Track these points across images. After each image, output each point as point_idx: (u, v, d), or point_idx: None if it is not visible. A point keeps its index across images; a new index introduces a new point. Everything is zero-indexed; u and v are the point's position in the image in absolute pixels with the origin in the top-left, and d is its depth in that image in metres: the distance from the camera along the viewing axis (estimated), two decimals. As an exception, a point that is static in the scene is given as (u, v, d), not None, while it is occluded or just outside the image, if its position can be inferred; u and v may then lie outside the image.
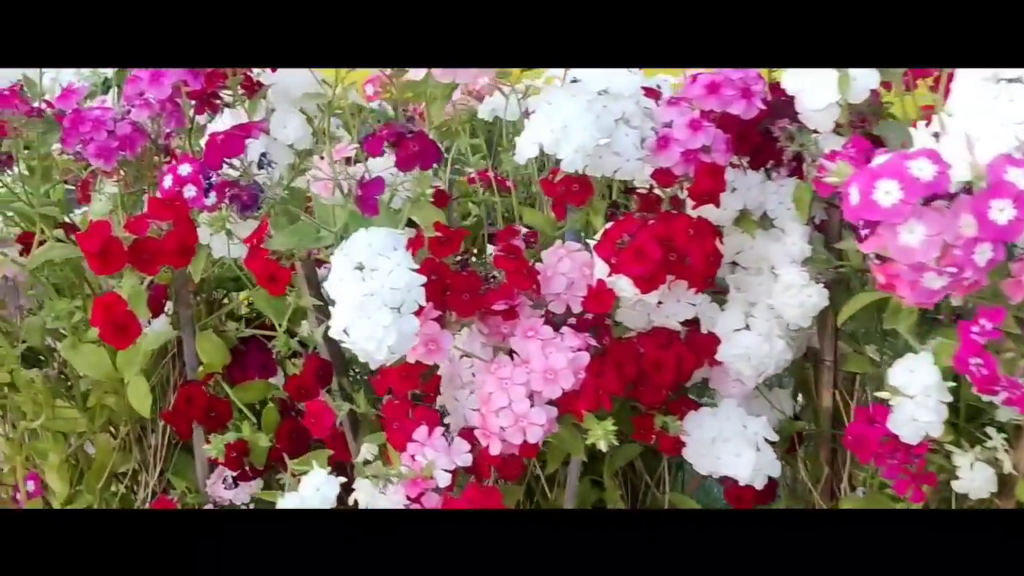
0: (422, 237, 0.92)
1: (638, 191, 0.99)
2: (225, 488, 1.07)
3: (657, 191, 0.97)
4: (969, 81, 0.80)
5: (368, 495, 0.94)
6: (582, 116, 0.86)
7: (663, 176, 0.95)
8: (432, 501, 0.90)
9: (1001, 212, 0.66)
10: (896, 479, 0.87)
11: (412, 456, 0.90)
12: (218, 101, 1.01)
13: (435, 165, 0.91)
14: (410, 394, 0.93)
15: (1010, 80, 0.77)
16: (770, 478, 0.97)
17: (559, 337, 0.90)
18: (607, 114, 0.88)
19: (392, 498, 0.92)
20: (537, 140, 0.87)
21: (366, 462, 0.96)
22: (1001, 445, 0.87)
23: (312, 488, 0.91)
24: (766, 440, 0.95)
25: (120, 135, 0.98)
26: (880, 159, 0.71)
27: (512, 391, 0.89)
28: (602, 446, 0.86)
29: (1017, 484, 0.86)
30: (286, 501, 0.91)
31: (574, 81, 0.88)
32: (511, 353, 0.91)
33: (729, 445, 0.95)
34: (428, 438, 0.90)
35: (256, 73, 0.99)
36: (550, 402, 0.90)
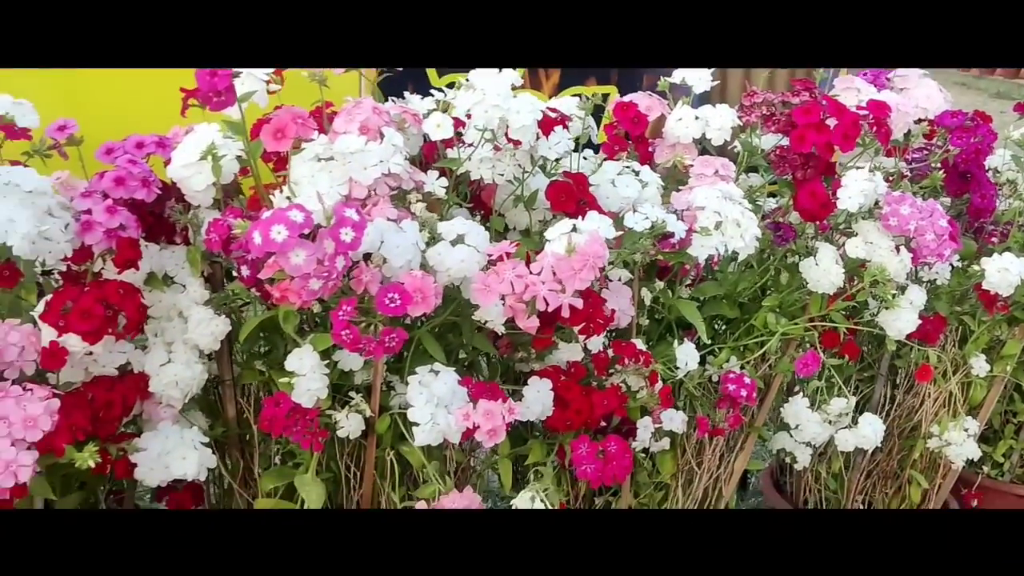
0: None
1: (59, 271, 1.20)
2: None
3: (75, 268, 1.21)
4: (300, 159, 1.20)
5: None
6: (23, 210, 1.07)
7: (79, 255, 1.19)
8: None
9: (346, 235, 1.07)
10: (302, 440, 1.24)
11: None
12: None
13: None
14: None
15: (326, 159, 1.19)
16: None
17: (29, 392, 1.09)
18: (37, 208, 1.10)
19: None
20: (-17, 234, 1.05)
21: None
22: (361, 400, 1.28)
23: None
24: (201, 442, 1.24)
25: None
26: (267, 214, 1.07)
27: (-4, 443, 1.05)
28: (91, 463, 1.08)
29: (376, 424, 1.29)
30: None
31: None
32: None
33: (175, 453, 1.22)
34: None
35: None
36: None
